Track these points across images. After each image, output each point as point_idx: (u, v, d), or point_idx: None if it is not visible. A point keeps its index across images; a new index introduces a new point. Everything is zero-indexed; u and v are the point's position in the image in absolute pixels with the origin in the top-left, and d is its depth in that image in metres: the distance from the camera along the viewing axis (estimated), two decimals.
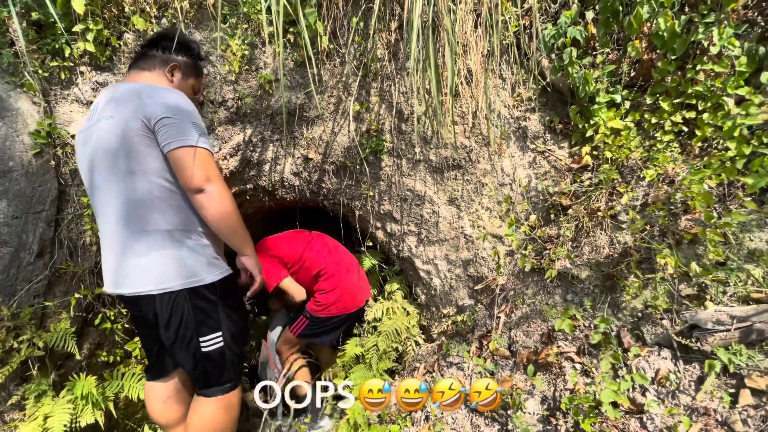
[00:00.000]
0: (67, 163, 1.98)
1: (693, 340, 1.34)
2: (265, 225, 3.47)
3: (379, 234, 2.53)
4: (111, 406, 1.84)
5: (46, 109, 1.90)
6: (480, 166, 2.27)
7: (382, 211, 2.46)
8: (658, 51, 1.79)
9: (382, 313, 2.46)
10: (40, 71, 1.87)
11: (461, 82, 2.25)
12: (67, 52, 1.91)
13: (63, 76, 1.95)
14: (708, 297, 1.41)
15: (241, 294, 1.76)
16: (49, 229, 1.88)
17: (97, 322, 2.02)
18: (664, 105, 1.76)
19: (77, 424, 1.69)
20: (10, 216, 1.71)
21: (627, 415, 1.35)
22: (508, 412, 1.51)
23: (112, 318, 2.10)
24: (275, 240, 2.53)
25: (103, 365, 2.10)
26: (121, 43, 2.07)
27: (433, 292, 2.42)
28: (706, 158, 1.64)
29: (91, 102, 2.03)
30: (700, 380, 1.33)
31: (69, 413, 1.67)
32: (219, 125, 2.33)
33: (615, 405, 1.36)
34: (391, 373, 2.38)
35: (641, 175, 1.74)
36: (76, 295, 1.92)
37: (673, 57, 1.74)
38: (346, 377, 2.33)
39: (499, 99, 2.28)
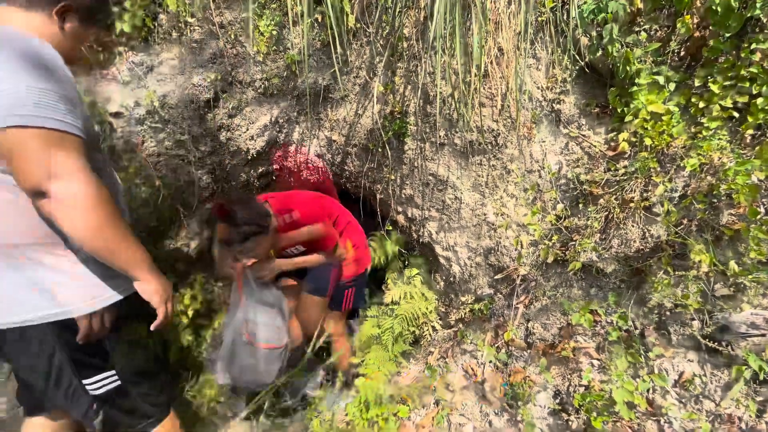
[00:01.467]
0: (105, 140, 2.10)
1: (723, 343, 1.25)
2: None
3: (400, 218, 2.51)
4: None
5: (86, 89, 2.01)
6: (507, 152, 2.18)
7: (403, 196, 2.44)
8: (711, 28, 1.61)
9: (400, 297, 2.47)
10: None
11: (491, 62, 2.15)
12: None
13: (101, 57, 2.05)
14: (745, 299, 1.30)
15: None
16: None
17: None
18: (714, 88, 1.60)
19: None
20: None
21: (644, 417, 1.29)
22: (519, 403, 1.49)
23: None
24: (314, 197, 2.32)
25: None
26: (156, 24, 2.14)
27: (452, 279, 2.40)
28: (757, 148, 1.48)
29: (129, 82, 2.13)
30: (728, 386, 1.24)
31: None
32: (247, 105, 2.37)
33: (631, 405, 1.30)
34: (407, 355, 2.40)
35: (682, 165, 1.60)
36: None
37: (727, 34, 1.56)
38: (363, 358, 2.37)
39: (531, 80, 2.16)
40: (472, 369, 1.77)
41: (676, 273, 1.43)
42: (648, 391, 1.32)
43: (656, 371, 1.32)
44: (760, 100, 1.50)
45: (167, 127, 2.20)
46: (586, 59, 2.03)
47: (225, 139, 2.37)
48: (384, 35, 2.26)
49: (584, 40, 2.04)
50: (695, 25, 1.67)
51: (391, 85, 2.27)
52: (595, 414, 1.29)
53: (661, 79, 1.70)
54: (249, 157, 2.45)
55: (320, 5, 2.21)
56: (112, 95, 2.09)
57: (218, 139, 2.36)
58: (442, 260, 2.42)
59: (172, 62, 2.15)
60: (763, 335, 1.21)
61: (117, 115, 2.09)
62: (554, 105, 2.12)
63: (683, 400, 1.27)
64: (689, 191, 1.55)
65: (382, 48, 2.26)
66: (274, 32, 2.25)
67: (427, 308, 2.44)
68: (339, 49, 2.25)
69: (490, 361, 1.73)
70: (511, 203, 2.17)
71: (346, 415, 1.78)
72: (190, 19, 2.15)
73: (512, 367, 1.65)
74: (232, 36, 2.20)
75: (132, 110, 2.11)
